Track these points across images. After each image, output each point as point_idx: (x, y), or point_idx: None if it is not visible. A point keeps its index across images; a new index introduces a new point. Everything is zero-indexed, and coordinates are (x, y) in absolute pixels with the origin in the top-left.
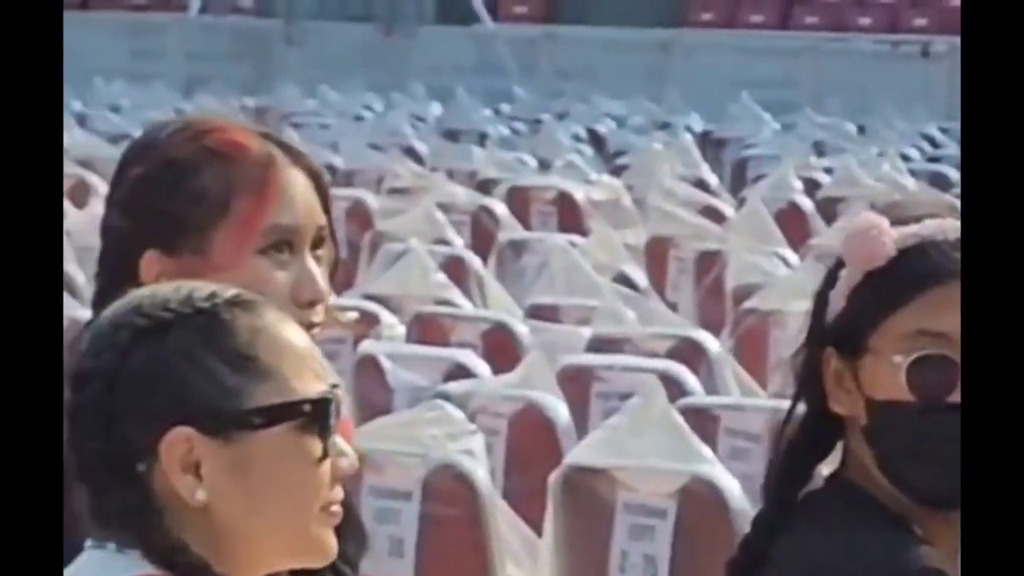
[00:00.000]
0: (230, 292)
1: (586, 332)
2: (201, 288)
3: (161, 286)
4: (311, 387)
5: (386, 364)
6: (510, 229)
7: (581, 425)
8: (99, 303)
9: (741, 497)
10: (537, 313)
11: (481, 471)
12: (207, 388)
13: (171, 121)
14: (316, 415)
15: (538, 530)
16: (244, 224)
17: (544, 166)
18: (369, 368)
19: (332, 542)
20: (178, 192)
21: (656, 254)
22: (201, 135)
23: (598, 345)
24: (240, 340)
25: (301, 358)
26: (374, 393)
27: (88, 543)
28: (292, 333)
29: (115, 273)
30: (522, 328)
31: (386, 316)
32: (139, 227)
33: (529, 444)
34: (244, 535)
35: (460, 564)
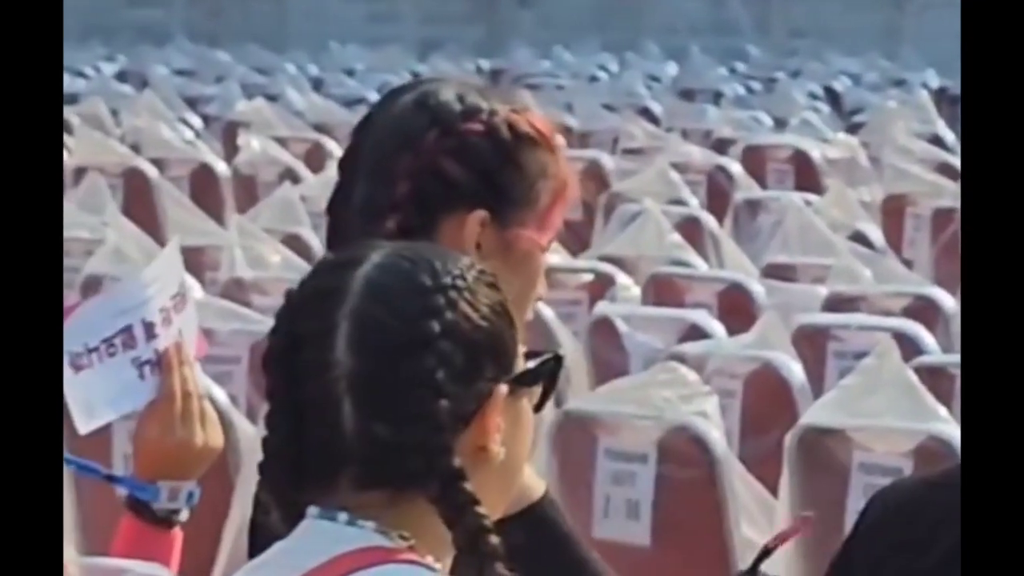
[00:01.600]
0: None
1: (822, 291)
2: (450, 251)
3: (421, 249)
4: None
5: (621, 326)
6: (746, 188)
7: (817, 385)
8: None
9: None
10: (773, 272)
11: (716, 433)
12: (512, 345)
13: (474, 83)
14: (558, 372)
15: (774, 491)
16: (549, 212)
17: (779, 124)
18: (604, 330)
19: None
20: (515, 163)
21: (892, 212)
22: (523, 112)
23: (834, 304)
24: (503, 300)
25: None
26: (609, 355)
27: (312, 512)
28: None
29: (424, 218)
30: (758, 288)
31: (621, 277)
32: (475, 182)
33: (765, 405)
34: (495, 493)
35: (696, 526)
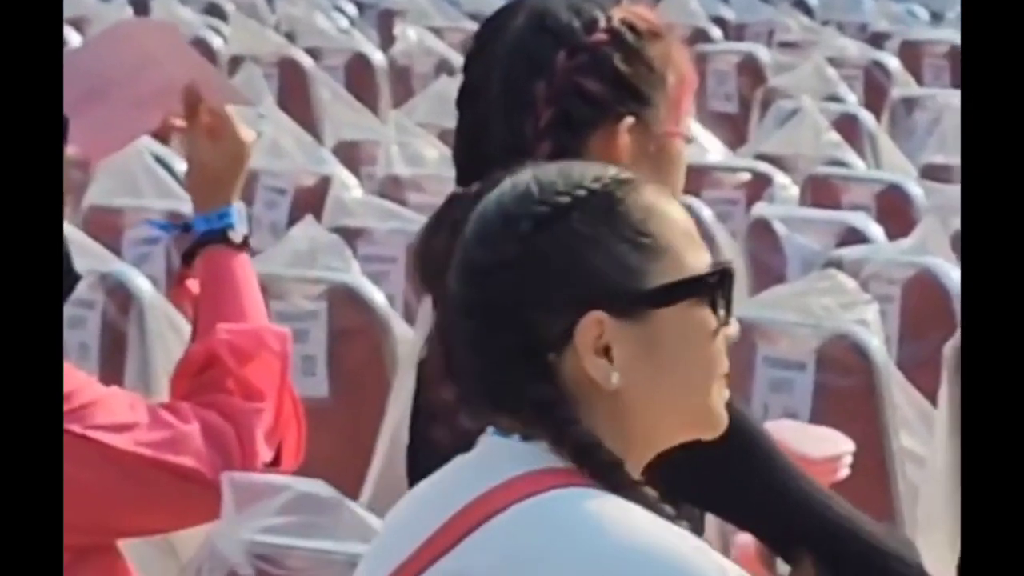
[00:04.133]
0: (612, 171)
1: None
2: (587, 168)
3: (541, 171)
4: (701, 260)
5: (780, 228)
6: (903, 85)
7: None
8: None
9: None
10: (930, 173)
11: (875, 341)
12: (613, 269)
13: None
14: (719, 287)
15: (930, 396)
16: (681, 101)
17: (936, 18)
18: (762, 231)
19: (724, 413)
20: (644, 62)
21: None
22: (630, 7)
23: None
24: (635, 218)
25: (687, 232)
26: (767, 257)
27: (489, 431)
28: (675, 208)
29: (573, 140)
30: (916, 190)
31: (779, 177)
32: (614, 92)
33: (923, 311)
34: (649, 416)
35: (854, 434)
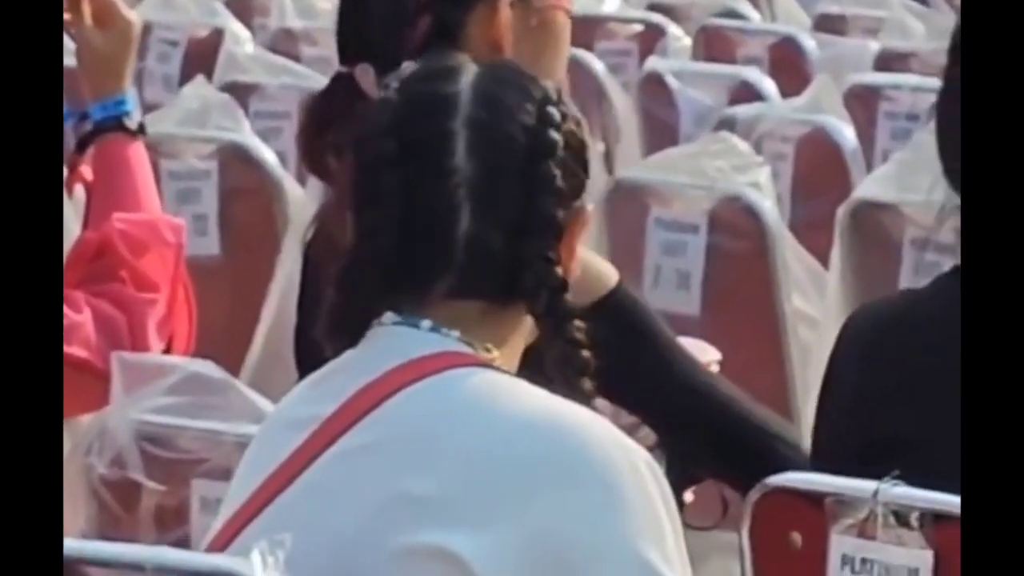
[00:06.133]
0: None
1: (874, 46)
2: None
3: (508, 63)
4: None
5: (672, 82)
6: None
7: (868, 145)
8: (421, 50)
9: None
10: (824, 24)
11: (768, 203)
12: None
13: None
14: None
15: (822, 257)
16: None
17: None
18: (654, 85)
19: None
20: None
21: None
22: None
23: (885, 61)
24: None
25: None
26: (660, 111)
27: (388, 319)
28: None
29: (456, 13)
30: (810, 42)
31: (672, 28)
32: None
33: (816, 169)
34: None
35: (746, 296)
